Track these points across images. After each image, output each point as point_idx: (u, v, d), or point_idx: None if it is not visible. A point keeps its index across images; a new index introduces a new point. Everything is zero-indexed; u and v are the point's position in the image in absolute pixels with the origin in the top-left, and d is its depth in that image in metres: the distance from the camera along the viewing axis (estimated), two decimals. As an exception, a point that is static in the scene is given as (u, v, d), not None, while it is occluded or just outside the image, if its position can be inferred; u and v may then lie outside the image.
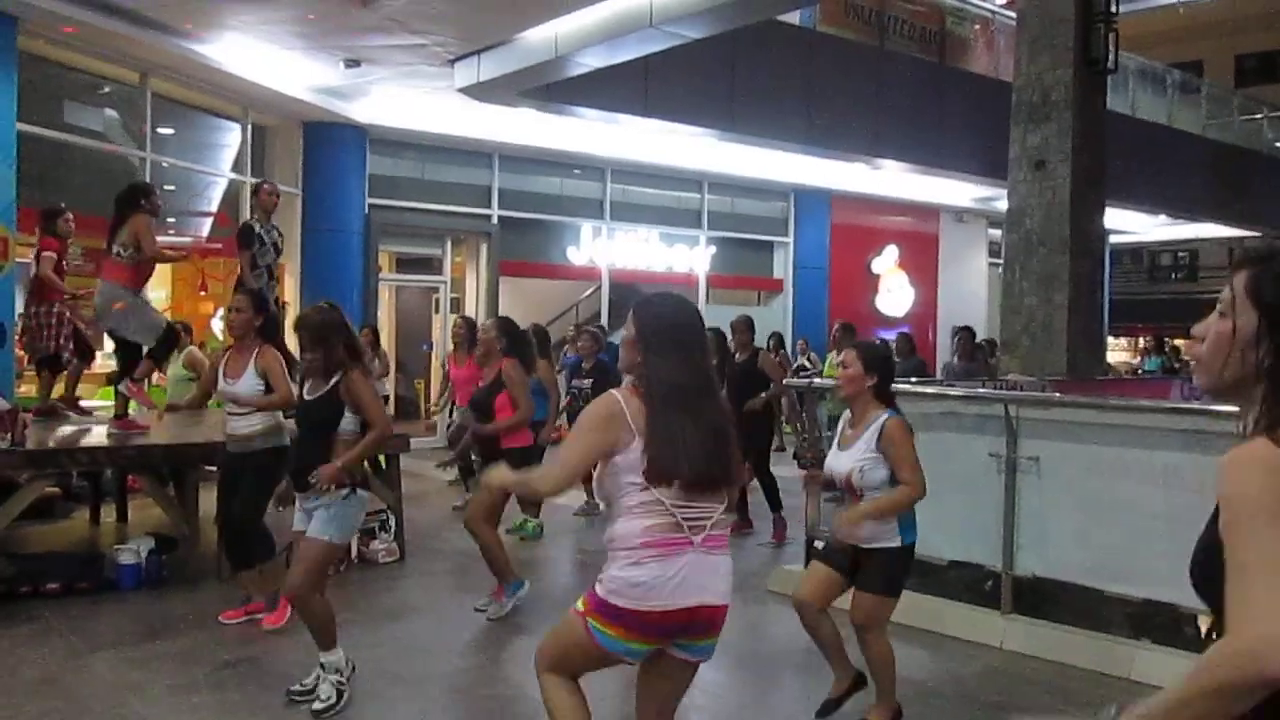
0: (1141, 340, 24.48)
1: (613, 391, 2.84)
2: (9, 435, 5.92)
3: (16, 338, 8.42)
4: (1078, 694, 4.76)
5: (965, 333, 10.08)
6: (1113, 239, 18.57)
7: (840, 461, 4.06)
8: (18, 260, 8.68)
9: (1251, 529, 1.35)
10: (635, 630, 2.70)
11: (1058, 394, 6.29)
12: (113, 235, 6.85)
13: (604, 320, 14.51)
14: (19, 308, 8.72)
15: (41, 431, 6.79)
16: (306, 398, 4.64)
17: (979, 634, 5.46)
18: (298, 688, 4.46)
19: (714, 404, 2.85)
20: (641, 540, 2.70)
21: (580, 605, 2.78)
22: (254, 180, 11.79)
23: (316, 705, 4.32)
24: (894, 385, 4.27)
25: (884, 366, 4.10)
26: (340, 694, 4.39)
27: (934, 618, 5.62)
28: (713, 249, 16.14)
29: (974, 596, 5.66)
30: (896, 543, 3.96)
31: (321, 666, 4.44)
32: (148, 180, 10.08)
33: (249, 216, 8.01)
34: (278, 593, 5.43)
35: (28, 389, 8.91)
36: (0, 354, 8.41)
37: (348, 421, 4.56)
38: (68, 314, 7.52)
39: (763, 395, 8.14)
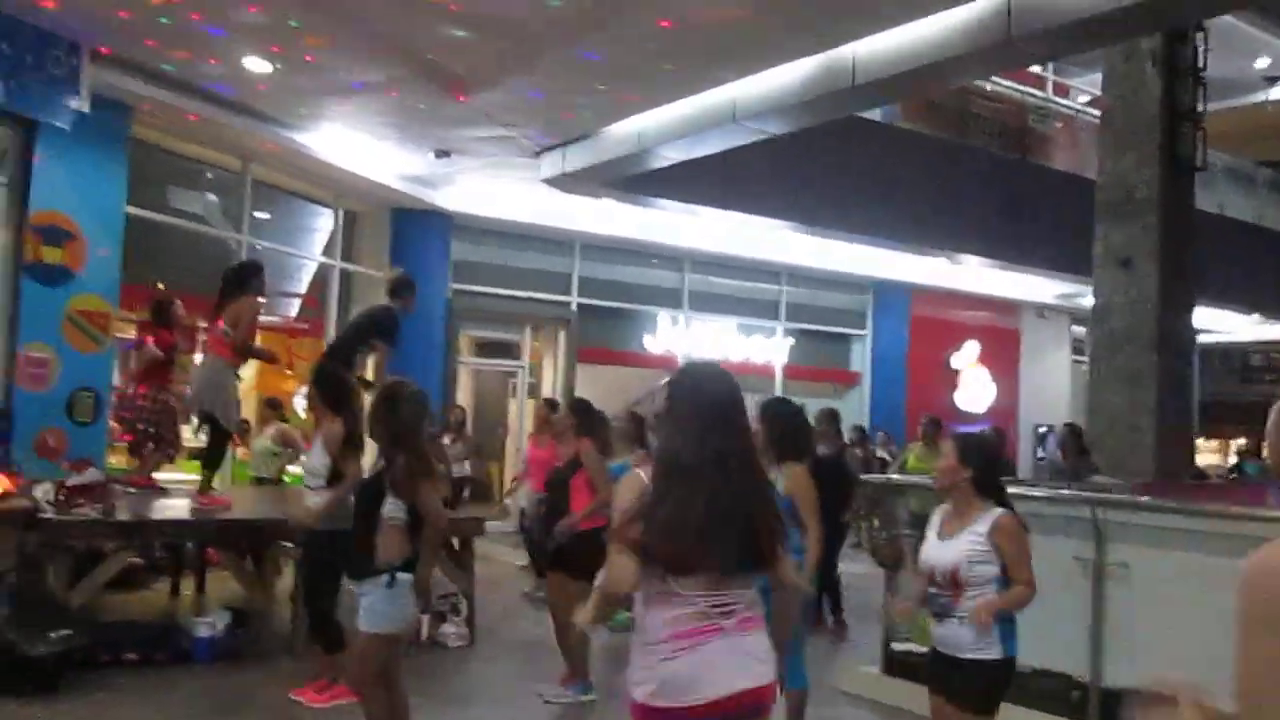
0: (1233, 444, 23.61)
1: (637, 470, 2.77)
2: (100, 506, 6.09)
3: (110, 411, 8.72)
4: (1172, 817, 4.50)
5: (1070, 429, 9.59)
6: (1202, 338, 18.11)
7: (943, 553, 3.83)
8: (116, 335, 9.03)
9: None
10: None
11: (1146, 497, 6.09)
12: (218, 311, 7.07)
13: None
14: (114, 380, 9.04)
15: (129, 503, 6.97)
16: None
17: (1064, 747, 5.23)
18: None
19: (732, 480, 2.63)
20: (669, 633, 2.58)
21: None
22: (334, 261, 12.17)
23: None
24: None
25: (980, 458, 3.90)
26: None
27: (1016, 728, 5.40)
28: (790, 340, 16.12)
29: (1059, 707, 5.42)
30: (997, 654, 3.72)
31: None
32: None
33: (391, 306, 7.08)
34: (336, 676, 5.44)
35: (116, 459, 9.19)
36: (94, 426, 8.70)
37: (392, 507, 4.31)
38: (173, 402, 7.71)
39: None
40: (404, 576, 4.28)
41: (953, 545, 3.80)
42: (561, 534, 6.00)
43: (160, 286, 9.04)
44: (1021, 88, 15.98)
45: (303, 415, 12.36)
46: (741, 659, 2.60)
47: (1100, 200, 9.37)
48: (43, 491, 6.39)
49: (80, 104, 7.97)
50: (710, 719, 2.57)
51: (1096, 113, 12.12)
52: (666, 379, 2.82)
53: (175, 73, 8.56)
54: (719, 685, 2.55)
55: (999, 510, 3.80)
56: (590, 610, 2.84)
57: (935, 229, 13.94)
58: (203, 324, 10.03)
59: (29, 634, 5.41)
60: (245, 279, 7.15)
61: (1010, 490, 6.26)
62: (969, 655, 3.73)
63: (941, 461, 3.95)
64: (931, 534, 3.98)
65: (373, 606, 4.26)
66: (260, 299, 7.40)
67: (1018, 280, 16.35)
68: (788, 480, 4.69)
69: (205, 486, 7.21)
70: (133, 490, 7.50)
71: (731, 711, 2.59)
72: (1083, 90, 16.83)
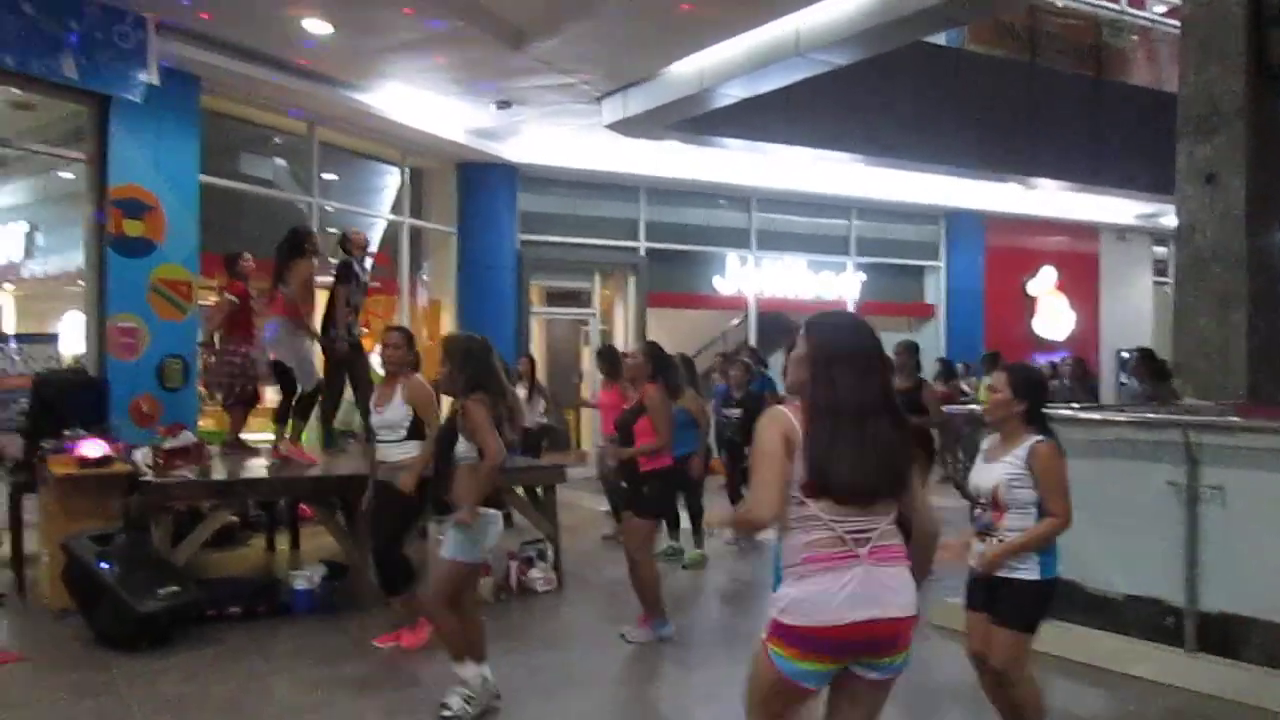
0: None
1: (779, 407, 2.79)
2: (196, 467, 6.29)
3: (199, 375, 8.96)
4: (1275, 740, 4.45)
5: (1142, 354, 9.34)
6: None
7: (986, 474, 3.94)
8: (200, 303, 9.26)
9: None
10: (810, 650, 2.63)
11: (1238, 418, 5.92)
12: (278, 278, 7.32)
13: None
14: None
15: (223, 464, 7.19)
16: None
17: (1160, 673, 5.16)
18: (445, 712, 4.57)
19: (884, 420, 2.74)
20: (805, 556, 2.67)
21: (762, 632, 2.73)
22: (403, 218, 12.28)
23: (444, 713, 4.53)
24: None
25: (1035, 392, 3.96)
26: (467, 706, 4.54)
27: (1110, 655, 5.36)
28: (862, 275, 15.92)
29: (1154, 633, 5.36)
30: (1034, 575, 3.79)
31: (456, 679, 4.63)
32: (313, 224, 10.64)
33: (347, 255, 8.19)
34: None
35: (206, 423, 9.47)
36: (185, 390, 8.97)
37: (464, 448, 4.67)
38: (251, 353, 7.90)
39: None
40: (485, 511, 4.66)
41: (994, 468, 3.91)
42: (605, 459, 6.09)
43: (240, 251, 9.22)
44: (1095, 1, 15.42)
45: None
46: (878, 589, 2.65)
47: (1182, 114, 9.00)
48: (142, 455, 6.62)
49: (149, 76, 8.10)
50: (838, 643, 2.63)
51: (1174, 23, 11.62)
52: (806, 328, 2.85)
53: (238, 40, 8.66)
54: (849, 612, 2.61)
55: (1038, 437, 3.86)
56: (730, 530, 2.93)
57: (1008, 154, 13.60)
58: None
59: (139, 592, 5.64)
60: (298, 243, 7.41)
61: (1099, 417, 6.18)
62: (1008, 575, 3.81)
63: (996, 394, 3.98)
64: (980, 458, 4.09)
65: (454, 538, 4.63)
66: (315, 259, 7.74)
67: (1095, 202, 15.92)
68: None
69: (281, 439, 7.41)
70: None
71: (860, 640, 2.64)
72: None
